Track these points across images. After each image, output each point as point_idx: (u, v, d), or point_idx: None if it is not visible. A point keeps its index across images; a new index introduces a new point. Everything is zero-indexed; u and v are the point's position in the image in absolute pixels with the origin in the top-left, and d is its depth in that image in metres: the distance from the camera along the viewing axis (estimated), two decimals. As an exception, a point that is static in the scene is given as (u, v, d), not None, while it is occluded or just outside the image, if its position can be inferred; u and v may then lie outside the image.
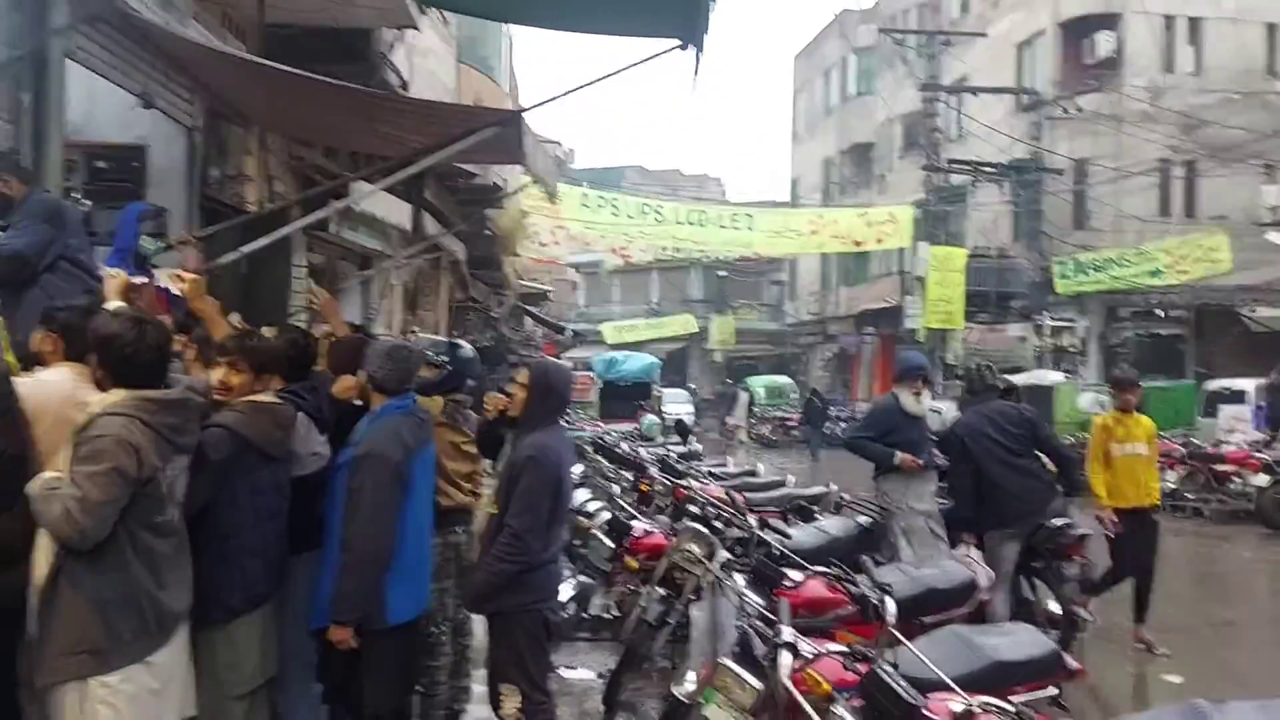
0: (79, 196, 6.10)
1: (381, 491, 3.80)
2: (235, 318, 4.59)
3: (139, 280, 4.15)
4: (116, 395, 3.01)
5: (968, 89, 26.99)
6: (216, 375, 3.66)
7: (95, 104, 6.55)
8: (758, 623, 3.45)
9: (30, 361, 3.52)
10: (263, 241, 5.77)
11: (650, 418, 22.56)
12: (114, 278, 3.71)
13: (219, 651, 3.50)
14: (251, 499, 3.58)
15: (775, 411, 30.56)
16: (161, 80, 6.38)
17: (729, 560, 4.11)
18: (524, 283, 22.37)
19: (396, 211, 9.81)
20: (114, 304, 3.50)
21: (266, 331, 4.08)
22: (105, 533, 2.88)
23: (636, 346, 34.31)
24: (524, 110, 5.64)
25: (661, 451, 11.22)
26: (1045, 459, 6.97)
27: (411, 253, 10.67)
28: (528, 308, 25.59)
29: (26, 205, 4.40)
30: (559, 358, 30.19)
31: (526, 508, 4.02)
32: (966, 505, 6.84)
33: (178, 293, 4.24)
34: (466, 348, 5.39)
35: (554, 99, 5.37)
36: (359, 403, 4.21)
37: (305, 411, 3.91)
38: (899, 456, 6.87)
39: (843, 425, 27.87)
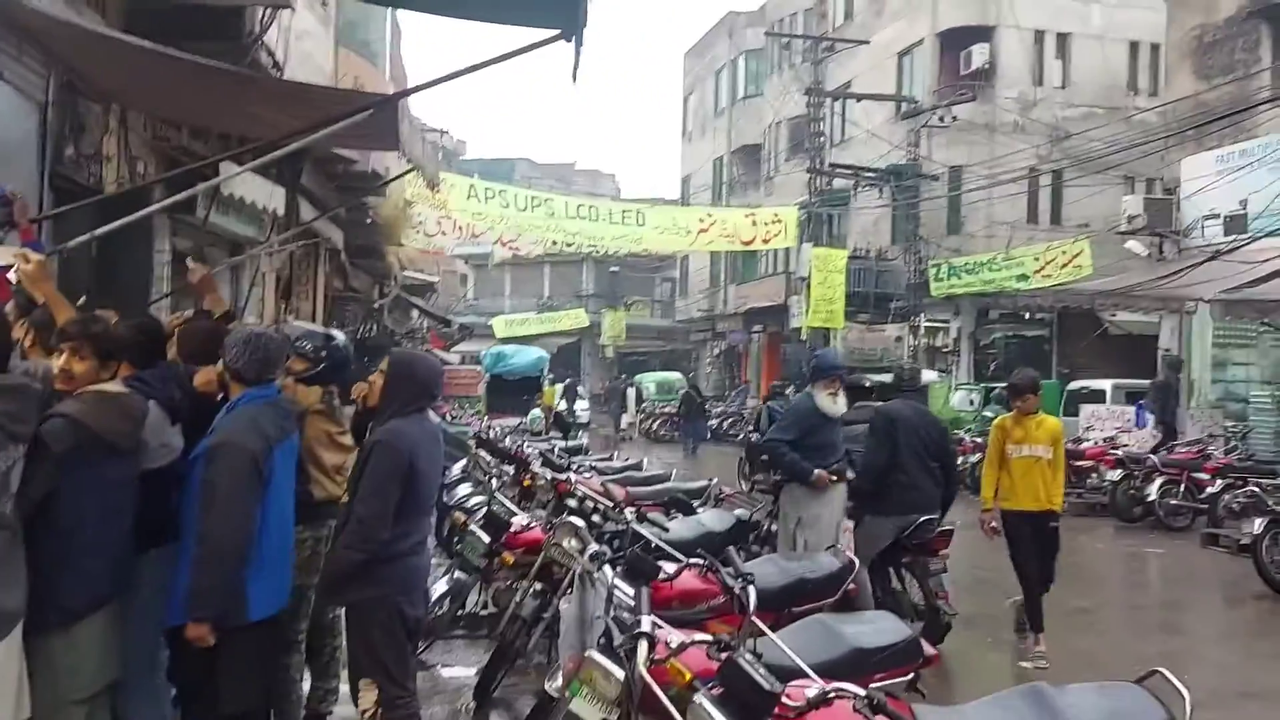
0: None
1: (238, 482, 3.67)
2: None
3: None
4: None
5: (850, 95, 27.68)
6: (59, 362, 3.47)
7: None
8: (623, 614, 3.45)
9: None
10: (119, 223, 5.48)
11: (536, 412, 22.44)
12: None
13: (58, 655, 3.32)
14: (96, 495, 3.40)
15: (665, 407, 30.76)
16: (12, 53, 6.01)
17: (600, 552, 4.09)
18: (409, 273, 21.92)
19: (270, 197, 9.47)
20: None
21: (109, 316, 3.88)
22: None
23: (528, 340, 34.08)
24: (400, 95, 5.51)
25: (544, 445, 11.16)
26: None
27: (285, 238, 10.33)
28: (413, 299, 25.09)
29: None
30: (447, 350, 29.79)
31: (372, 492, 3.96)
32: (869, 481, 7.07)
33: (14, 276, 4.00)
34: (340, 337, 5.25)
35: (431, 84, 5.24)
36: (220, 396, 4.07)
37: (156, 400, 3.73)
38: (817, 474, 7.00)
39: (730, 421, 28.33)
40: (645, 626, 3.24)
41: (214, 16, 7.59)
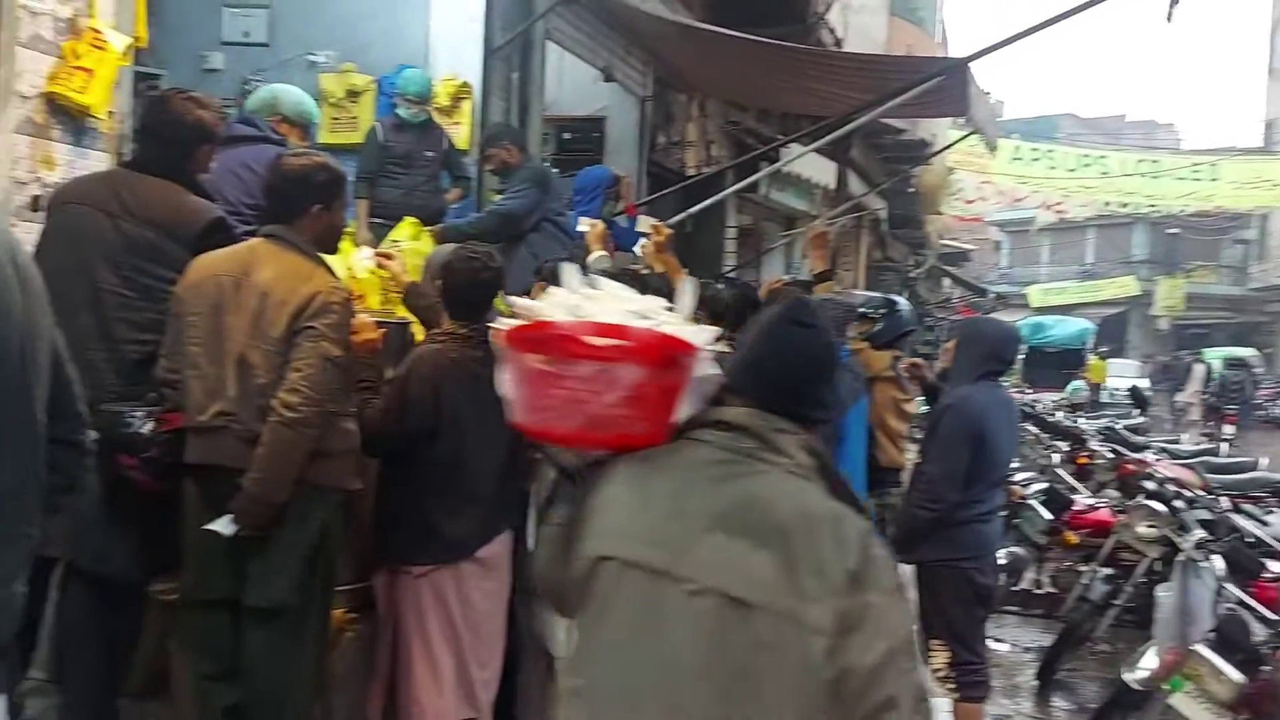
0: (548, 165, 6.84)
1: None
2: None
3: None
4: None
5: None
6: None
7: (562, 80, 7.28)
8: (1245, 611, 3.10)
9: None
10: (706, 203, 6.09)
11: (1077, 384, 20.88)
12: (593, 226, 4.11)
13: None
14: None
15: (1234, 388, 26.88)
16: (621, 54, 6.93)
17: (1205, 540, 3.71)
18: (944, 242, 21.57)
19: (823, 171, 9.89)
20: (597, 253, 3.87)
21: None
22: None
23: (1065, 310, 31.83)
24: (973, 57, 5.40)
25: (1104, 422, 10.36)
26: None
27: (836, 212, 10.70)
28: (947, 268, 24.65)
29: (521, 172, 5.02)
30: (979, 322, 28.79)
31: (940, 454, 3.96)
32: None
33: (639, 247, 4.55)
34: (904, 303, 5.31)
35: (1000, 45, 5.08)
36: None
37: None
38: None
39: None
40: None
41: (782, 1, 8.06)
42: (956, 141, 10.39)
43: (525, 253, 4.89)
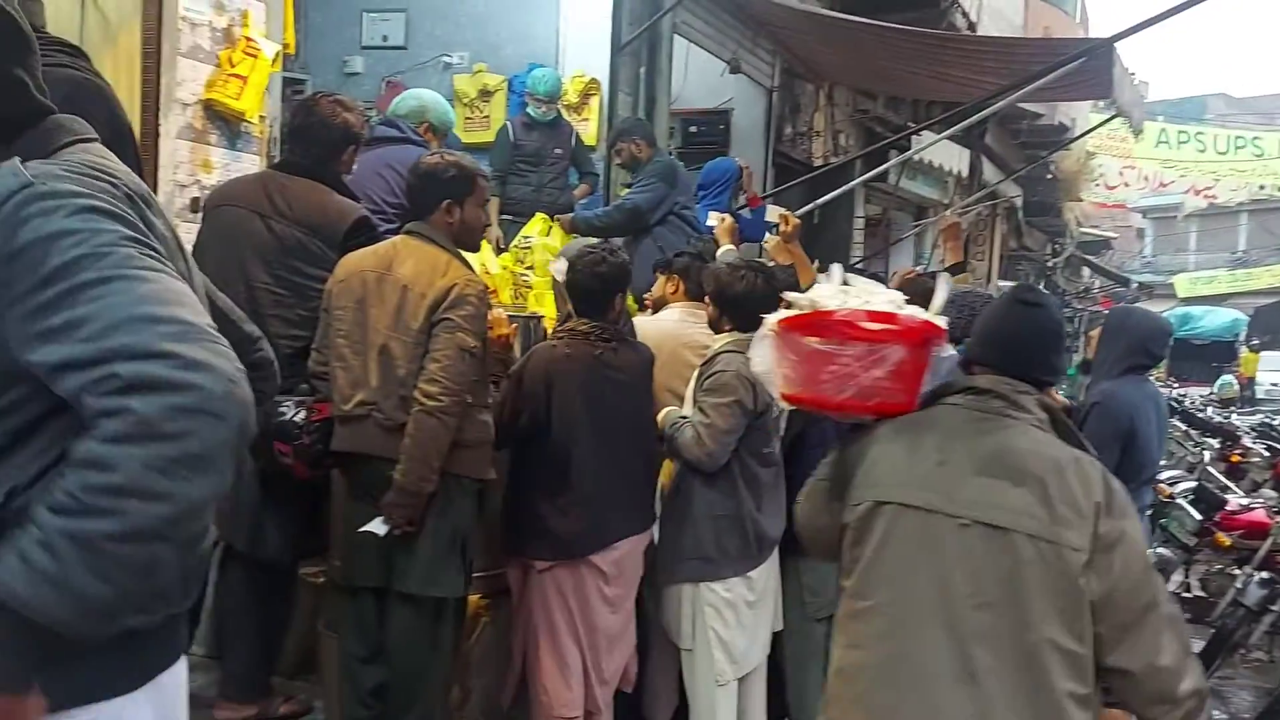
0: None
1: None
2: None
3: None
4: (732, 335, 3.32)
5: None
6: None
7: (688, 74, 7.28)
8: None
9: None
10: (834, 194, 6.01)
11: (1226, 378, 19.77)
12: (722, 221, 4.09)
13: (804, 576, 3.74)
14: (838, 438, 3.76)
15: None
16: (748, 46, 6.89)
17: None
18: (1084, 230, 20.68)
19: (955, 158, 9.62)
20: (725, 247, 3.86)
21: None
22: (726, 458, 3.21)
23: (1215, 301, 30.13)
24: (1115, 39, 5.17)
25: (1258, 418, 9.79)
26: None
27: (970, 201, 10.40)
28: (1086, 257, 23.64)
29: (649, 166, 5.06)
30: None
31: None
32: None
33: (768, 238, 4.52)
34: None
35: (1148, 23, 4.83)
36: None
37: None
38: None
39: None
40: None
41: (913, -14, 7.87)
42: (1098, 126, 9.96)
43: (651, 246, 4.92)
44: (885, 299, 2.01)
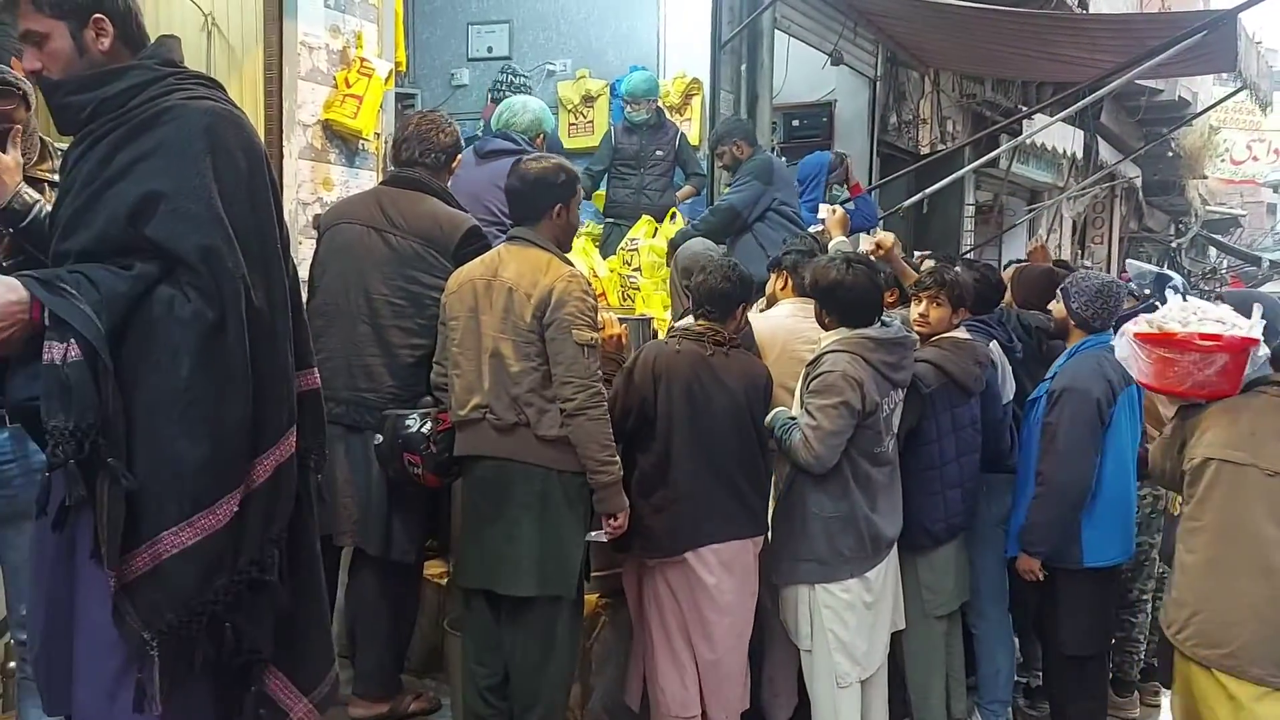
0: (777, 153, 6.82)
1: (1080, 427, 3.65)
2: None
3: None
4: (840, 334, 3.29)
5: None
6: (917, 309, 3.81)
7: (789, 68, 7.23)
8: None
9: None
10: (943, 183, 5.88)
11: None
12: (834, 212, 4.05)
13: (921, 574, 3.69)
14: (954, 433, 3.69)
15: None
16: (849, 37, 6.80)
17: None
18: (1210, 208, 19.71)
19: (1069, 140, 9.30)
20: (838, 239, 3.82)
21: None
22: (835, 459, 3.18)
23: (1359, 278, 28.34)
24: (1240, 8, 4.92)
25: None
26: None
27: (1087, 183, 10.03)
28: (1213, 236, 22.51)
29: (745, 165, 5.05)
30: (1254, 294, 26.08)
31: None
32: None
33: (867, 244, 4.46)
34: (1177, 278, 4.94)
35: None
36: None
37: (998, 343, 3.95)
38: None
39: None
40: None
41: (1019, -33, 7.64)
42: (1223, 100, 9.47)
43: (752, 242, 4.91)
44: (1214, 319, 2.74)
